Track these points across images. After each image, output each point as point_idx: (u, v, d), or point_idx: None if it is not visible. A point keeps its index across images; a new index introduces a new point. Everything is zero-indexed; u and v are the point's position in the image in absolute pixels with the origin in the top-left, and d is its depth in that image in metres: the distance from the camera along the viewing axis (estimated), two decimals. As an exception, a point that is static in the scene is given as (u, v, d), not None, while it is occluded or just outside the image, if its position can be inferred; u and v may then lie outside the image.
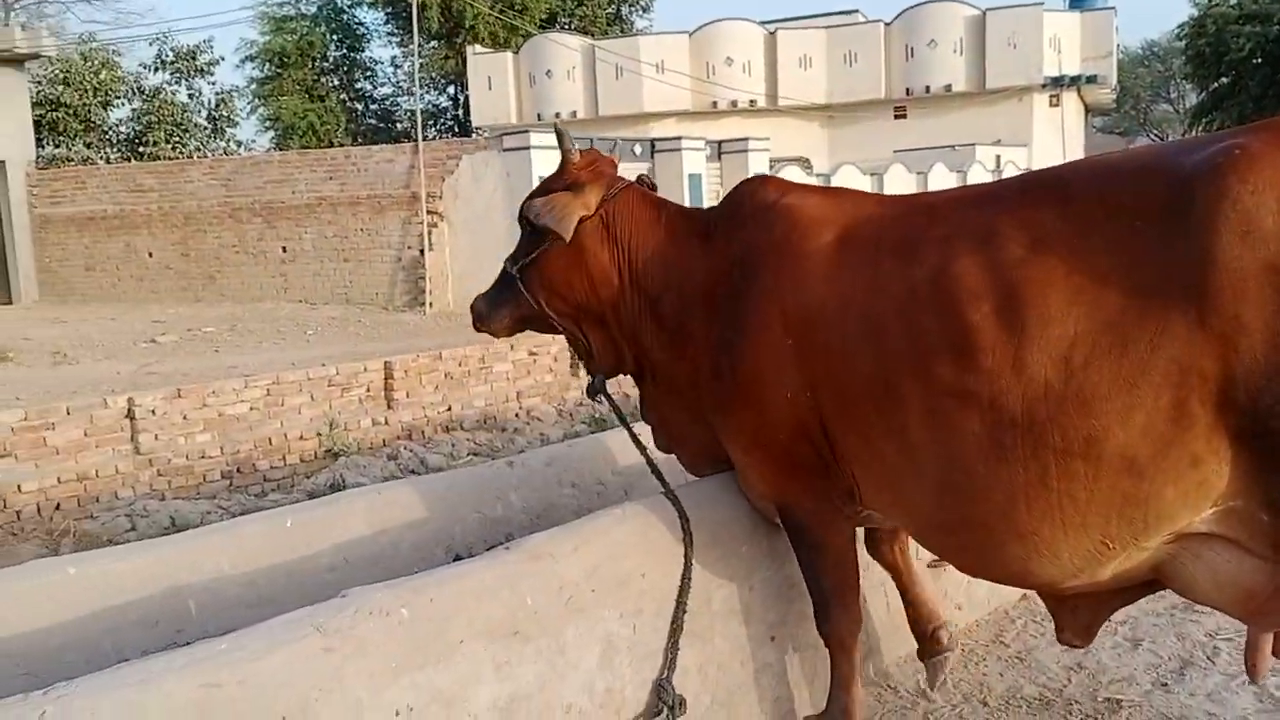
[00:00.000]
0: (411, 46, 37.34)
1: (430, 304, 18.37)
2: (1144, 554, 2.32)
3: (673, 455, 3.45)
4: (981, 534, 2.43)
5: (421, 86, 41.17)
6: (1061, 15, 31.70)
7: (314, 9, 39.51)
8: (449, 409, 11.69)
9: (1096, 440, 2.19)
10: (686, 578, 2.99)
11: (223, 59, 32.96)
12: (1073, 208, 2.32)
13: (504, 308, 3.29)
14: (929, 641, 3.39)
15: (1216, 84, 34.35)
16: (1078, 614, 2.67)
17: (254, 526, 3.34)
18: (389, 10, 39.24)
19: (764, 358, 2.78)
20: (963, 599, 4.10)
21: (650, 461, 3.32)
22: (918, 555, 3.51)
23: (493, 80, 33.68)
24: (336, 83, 40.65)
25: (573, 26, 38.90)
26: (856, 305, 2.59)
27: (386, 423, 11.14)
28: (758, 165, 21.54)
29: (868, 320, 2.55)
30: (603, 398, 3.36)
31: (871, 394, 2.54)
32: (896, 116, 31.47)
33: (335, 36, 40.18)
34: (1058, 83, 30.00)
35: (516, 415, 11.87)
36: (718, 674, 3.10)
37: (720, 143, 22.16)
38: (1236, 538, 2.21)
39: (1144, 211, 2.20)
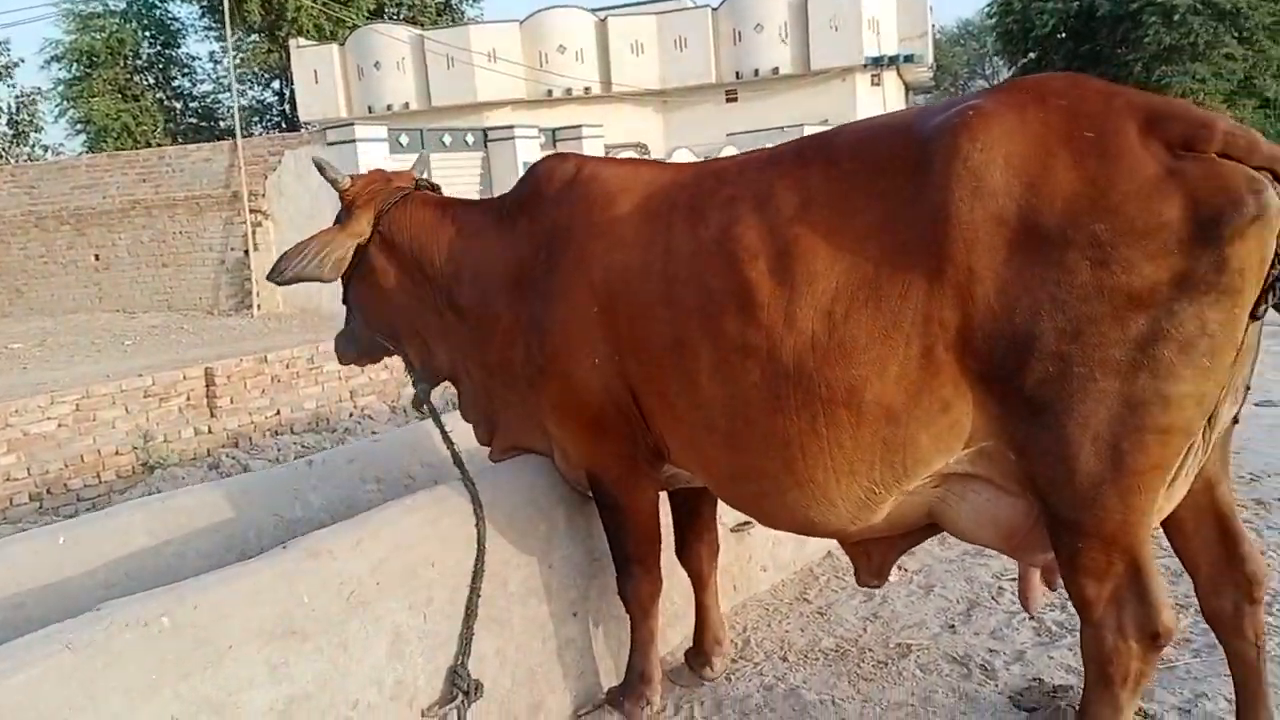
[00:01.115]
0: (231, 40, 35.83)
1: (258, 306, 17.73)
2: (913, 497, 2.47)
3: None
4: (768, 483, 2.55)
5: (244, 82, 39.61)
6: (879, -2, 32.91)
7: (123, 5, 37.33)
8: (277, 413, 11.31)
9: (857, 389, 2.31)
10: (480, 562, 2.98)
11: (22, 60, 30.80)
12: (837, 169, 2.44)
13: (349, 340, 3.53)
14: (700, 656, 3.49)
15: (1025, 59, 36.34)
16: (870, 557, 2.84)
17: (21, 546, 3.15)
18: (205, 3, 37.47)
19: (572, 327, 2.84)
20: (768, 561, 4.23)
21: (451, 448, 3.29)
22: (722, 519, 3.60)
23: (319, 73, 32.62)
24: (152, 81, 38.59)
25: (401, 17, 38.06)
26: (654, 268, 2.67)
27: (210, 431, 10.70)
28: (593, 150, 21.60)
29: (664, 282, 2.64)
30: (426, 408, 3.40)
31: (669, 353, 2.63)
32: (728, 100, 32.05)
33: (148, 33, 38.11)
34: (878, 63, 31.12)
35: (350, 415, 11.59)
36: (517, 655, 3.11)
37: (555, 130, 22.12)
38: (991, 477, 2.36)
39: (895, 171, 2.33)
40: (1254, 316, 2.12)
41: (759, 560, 4.18)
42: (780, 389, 2.40)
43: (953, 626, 3.77)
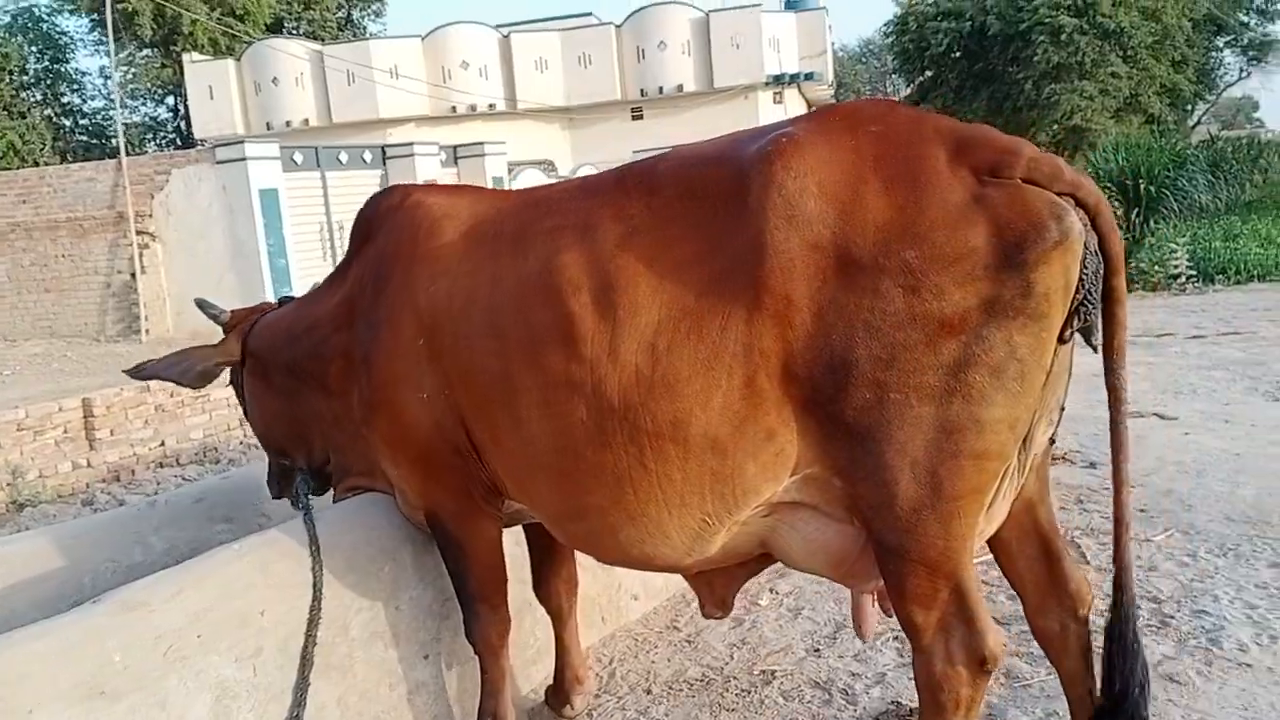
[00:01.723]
0: (122, 55, 34.75)
1: (147, 331, 17.12)
2: (746, 527, 2.42)
3: None
4: (600, 520, 2.48)
5: (138, 98, 38.45)
6: (778, 16, 33.45)
7: (7, 18, 35.94)
8: (162, 444, 10.90)
9: (682, 422, 2.26)
10: (316, 608, 2.86)
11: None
12: (658, 198, 2.40)
13: (272, 479, 3.67)
14: (560, 695, 3.42)
15: (921, 78, 37.28)
16: (713, 588, 2.77)
17: None
18: (94, 18, 36.24)
19: (398, 358, 2.76)
20: (639, 589, 4.18)
21: (305, 498, 3.23)
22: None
23: (214, 89, 31.81)
24: (39, 97, 37.08)
25: (300, 31, 37.36)
26: (480, 300, 2.60)
27: (89, 465, 10.26)
28: (495, 169, 21.47)
29: (489, 313, 2.57)
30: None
31: (495, 387, 2.55)
32: (634, 117, 32.21)
33: (35, 47, 36.67)
34: (779, 80, 31.63)
35: (240, 444, 11.24)
36: (360, 703, 2.98)
37: (456, 147, 21.90)
38: (818, 504, 2.33)
39: (714, 200, 2.30)
40: (1062, 340, 2.14)
41: (629, 589, 4.12)
42: (607, 424, 2.34)
43: (818, 650, 3.76)
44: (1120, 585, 2.34)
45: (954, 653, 2.24)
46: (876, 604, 2.78)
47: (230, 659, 2.65)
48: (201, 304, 3.67)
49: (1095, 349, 2.24)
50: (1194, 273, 15.54)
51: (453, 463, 2.76)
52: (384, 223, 2.95)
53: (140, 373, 3.36)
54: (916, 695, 3.31)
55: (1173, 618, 3.75)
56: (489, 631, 2.99)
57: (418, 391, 2.71)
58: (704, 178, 2.36)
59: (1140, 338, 9.74)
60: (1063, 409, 2.36)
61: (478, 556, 2.93)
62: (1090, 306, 2.14)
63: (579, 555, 3.37)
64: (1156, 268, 16.87)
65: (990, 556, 2.59)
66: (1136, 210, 25.50)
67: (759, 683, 3.55)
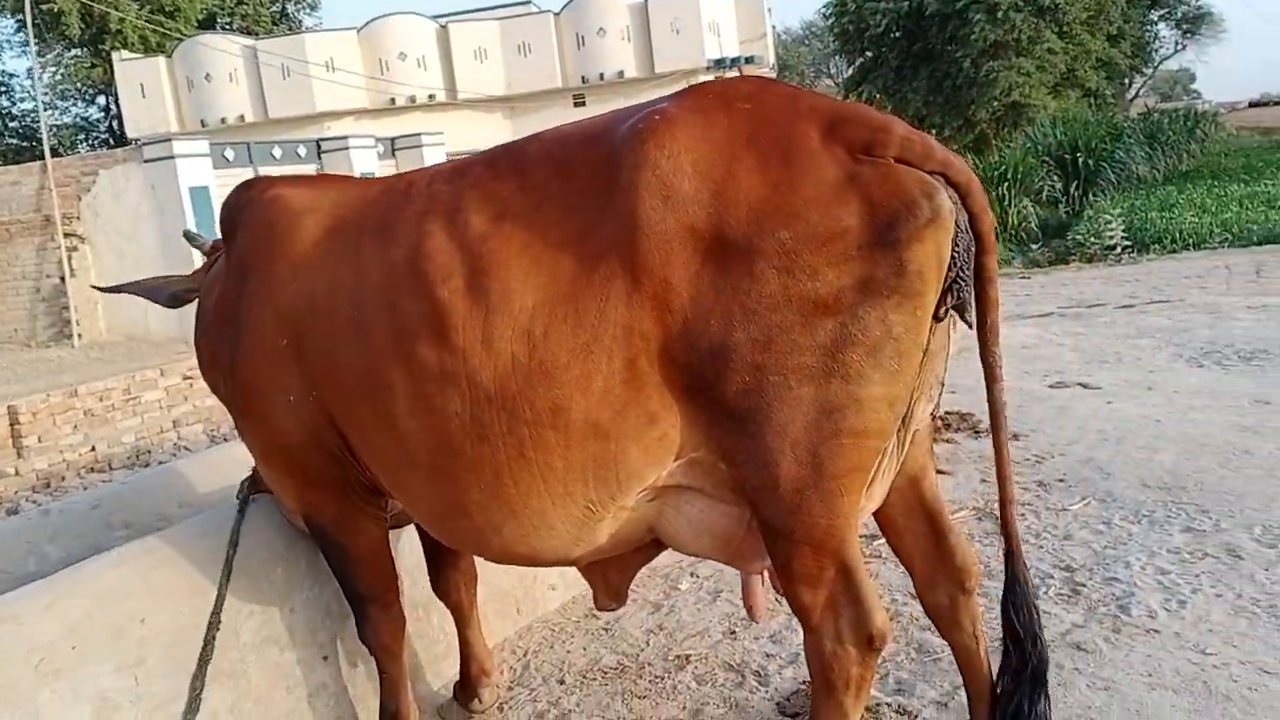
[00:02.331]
0: (50, 56, 33.93)
1: (79, 335, 16.73)
2: (632, 513, 2.36)
3: None
4: (481, 516, 2.40)
5: (68, 98, 37.57)
6: (718, 1, 33.39)
7: (-70, 20, 34.91)
8: (92, 449, 10.67)
9: (562, 409, 2.20)
10: (216, 613, 2.78)
11: None
12: (530, 179, 2.32)
13: None
14: (467, 690, 3.36)
15: (862, 58, 37.50)
16: (607, 578, 2.70)
17: None
18: (19, 18, 35.27)
19: (260, 361, 2.65)
20: (557, 579, 4.13)
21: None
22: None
23: (145, 87, 31.14)
24: (-34, 100, 36.18)
25: (234, 27, 36.68)
26: (344, 294, 2.49)
27: (17, 473, 10.02)
28: (434, 159, 21.21)
29: (354, 308, 2.45)
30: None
31: (364, 385, 2.45)
32: (576, 104, 31.99)
33: (-41, 49, 35.67)
34: (720, 64, 31.57)
35: (174, 446, 11.03)
36: (256, 709, 2.90)
37: (394, 139, 21.63)
38: (703, 487, 2.29)
39: (587, 181, 2.23)
40: (937, 318, 2.11)
41: (546, 579, 4.07)
42: (483, 415, 2.28)
43: (734, 633, 3.74)
44: (1009, 549, 2.34)
45: (842, 632, 2.21)
46: (768, 583, 2.75)
47: (109, 669, 2.57)
48: (189, 235, 3.69)
49: (970, 325, 2.22)
50: (1129, 243, 15.79)
51: (327, 466, 2.67)
52: (244, 218, 2.84)
53: (118, 288, 3.44)
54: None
55: (1084, 585, 3.77)
56: (382, 632, 2.91)
57: (284, 394, 2.61)
58: (577, 158, 2.29)
59: (1071, 309, 9.86)
60: (942, 385, 2.34)
61: (362, 558, 2.84)
62: (964, 284, 2.11)
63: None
64: (1093, 239, 17.13)
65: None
66: (1075, 183, 25.93)
67: (673, 668, 3.52)
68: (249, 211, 2.84)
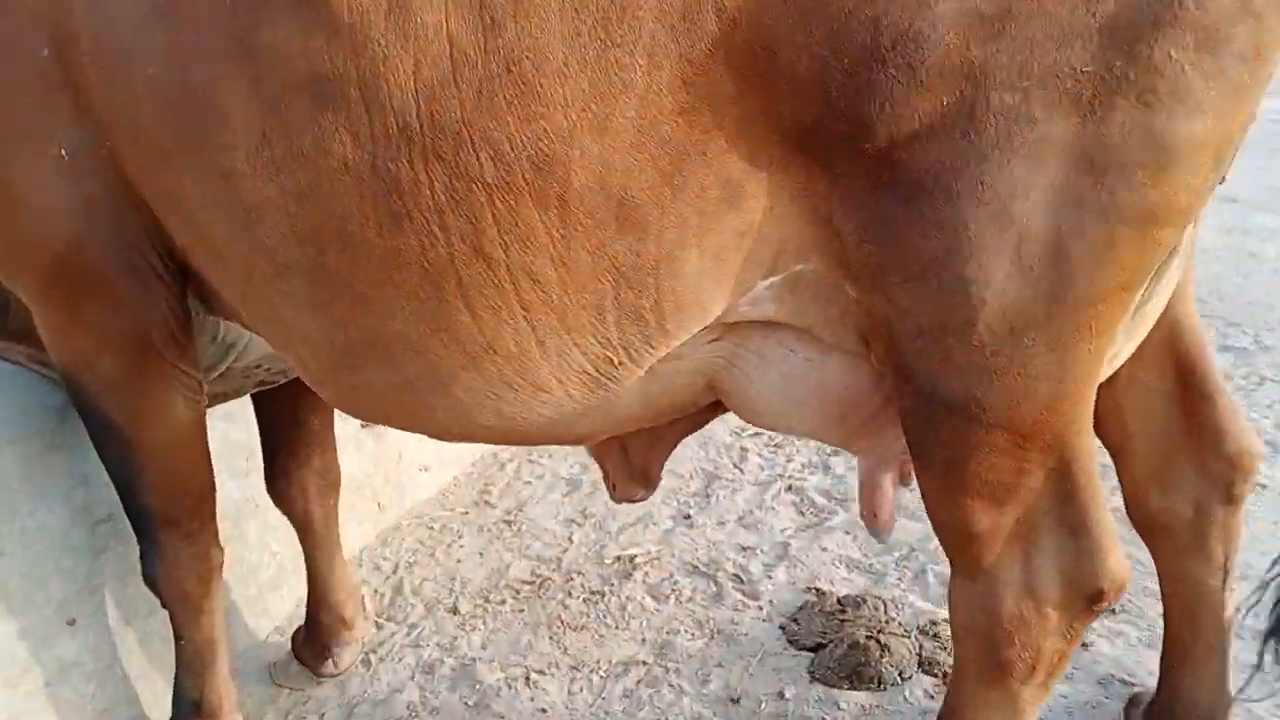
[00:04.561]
0: None
1: None
2: (681, 367, 1.37)
3: None
4: (411, 363, 1.37)
5: None
6: None
7: None
8: None
9: (555, 160, 1.16)
10: None
11: None
12: None
13: None
14: (315, 645, 2.23)
15: None
16: (629, 456, 1.80)
17: None
18: None
19: (9, 94, 1.45)
20: (430, 457, 2.98)
21: None
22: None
23: None
24: None
25: None
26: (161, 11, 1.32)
27: None
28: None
29: (173, 32, 1.31)
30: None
31: (194, 123, 1.32)
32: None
33: None
34: None
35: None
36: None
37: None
38: (811, 325, 1.29)
39: None
40: None
41: (415, 458, 2.91)
42: (397, 168, 1.20)
43: (689, 517, 2.71)
44: None
45: (1042, 579, 1.24)
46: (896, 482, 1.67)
47: None
48: None
49: None
50: None
51: (118, 282, 1.50)
52: None
53: None
54: (838, 572, 2.35)
55: None
56: (180, 574, 1.77)
57: (45, 146, 1.42)
58: None
59: None
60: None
61: (158, 455, 1.68)
62: None
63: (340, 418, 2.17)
64: None
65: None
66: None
67: (615, 576, 2.47)
68: None
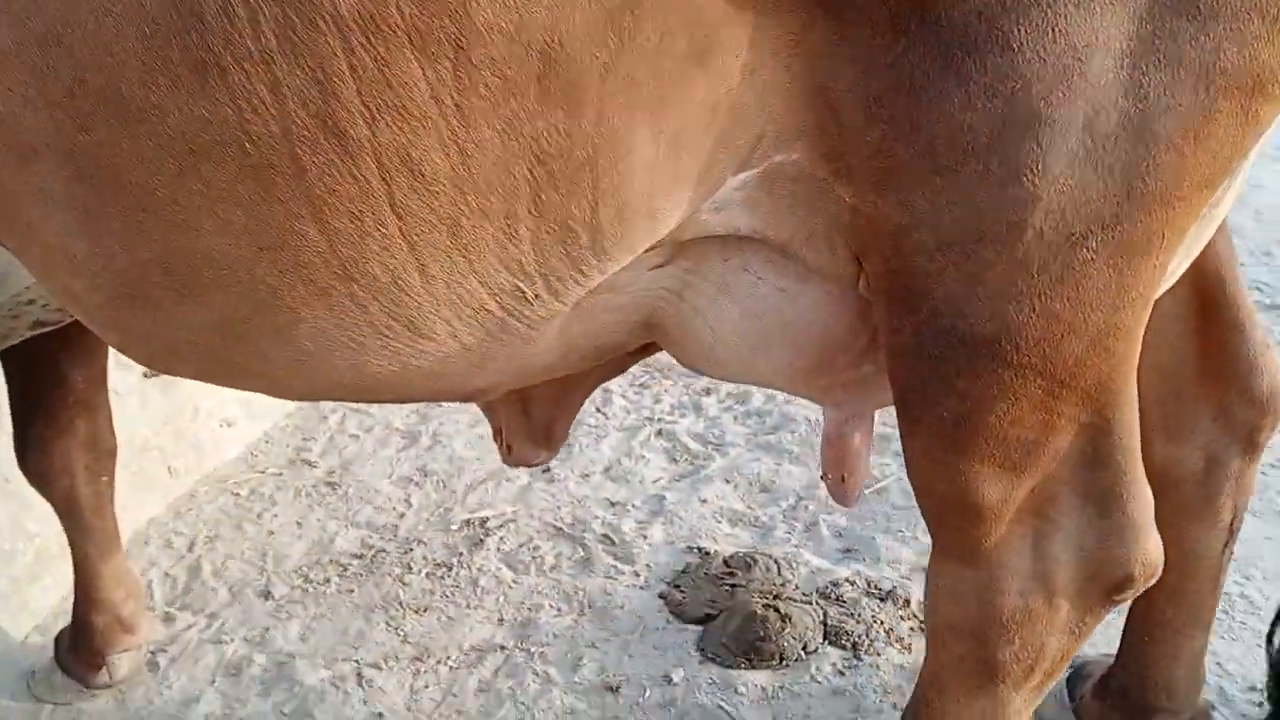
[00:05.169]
0: None
1: None
2: (615, 300, 1.04)
3: None
4: (227, 298, 0.95)
5: None
6: None
7: None
8: None
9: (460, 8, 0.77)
10: None
11: None
12: None
13: None
14: (85, 652, 1.78)
15: None
16: (529, 414, 1.48)
17: None
18: None
19: None
20: (236, 410, 2.51)
21: None
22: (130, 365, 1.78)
23: None
24: None
25: None
26: None
27: None
28: None
29: None
30: None
31: None
32: None
33: None
34: None
35: None
36: None
37: None
38: (790, 240, 0.98)
39: None
40: None
41: (215, 411, 2.44)
42: (219, 27, 0.77)
43: (547, 470, 2.36)
44: None
45: (1056, 566, 0.98)
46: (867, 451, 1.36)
47: None
48: None
49: None
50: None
51: None
52: None
53: None
54: (725, 535, 2.06)
55: None
56: None
57: None
58: None
59: None
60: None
61: None
62: None
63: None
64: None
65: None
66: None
67: (463, 545, 2.11)
68: None
